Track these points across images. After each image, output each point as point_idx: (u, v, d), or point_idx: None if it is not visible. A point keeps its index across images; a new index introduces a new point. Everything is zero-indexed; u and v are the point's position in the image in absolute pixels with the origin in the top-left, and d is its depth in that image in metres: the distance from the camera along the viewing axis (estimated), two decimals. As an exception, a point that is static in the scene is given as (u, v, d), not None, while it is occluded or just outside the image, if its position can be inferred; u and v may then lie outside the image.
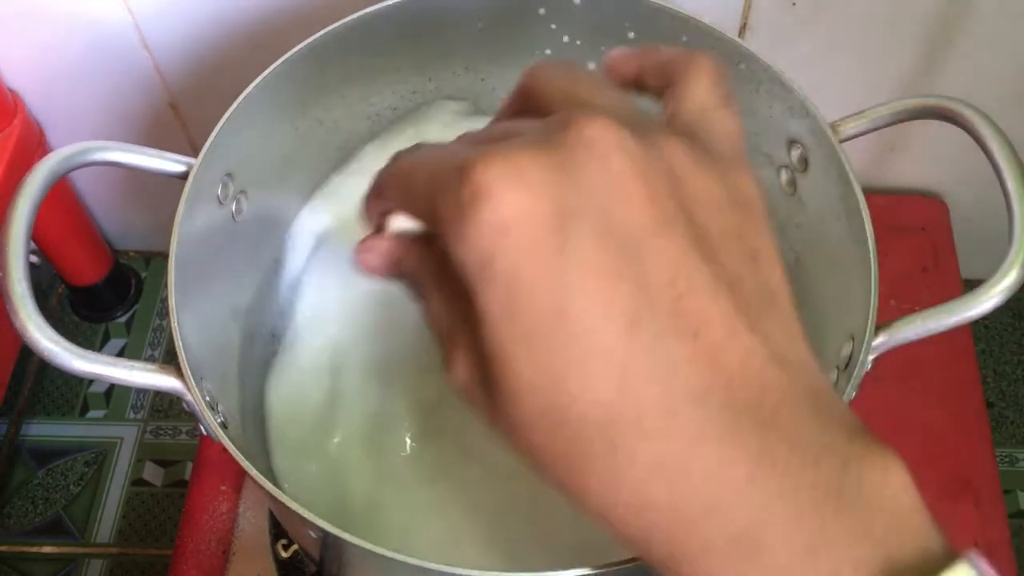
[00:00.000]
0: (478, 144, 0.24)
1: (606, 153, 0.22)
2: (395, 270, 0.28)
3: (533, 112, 0.27)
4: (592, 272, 0.21)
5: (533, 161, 0.22)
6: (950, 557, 0.21)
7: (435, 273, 0.26)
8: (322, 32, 0.46)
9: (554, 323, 0.21)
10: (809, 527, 0.21)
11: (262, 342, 0.52)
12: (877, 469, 0.22)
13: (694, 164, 0.24)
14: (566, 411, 0.22)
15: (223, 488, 0.58)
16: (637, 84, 0.30)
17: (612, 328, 0.21)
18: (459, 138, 0.27)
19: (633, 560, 0.33)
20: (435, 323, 0.26)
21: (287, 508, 0.35)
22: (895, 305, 0.66)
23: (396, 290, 0.53)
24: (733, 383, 0.22)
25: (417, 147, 0.26)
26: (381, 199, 0.27)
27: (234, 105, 0.44)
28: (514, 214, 0.21)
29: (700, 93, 0.27)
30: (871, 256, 0.40)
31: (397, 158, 0.26)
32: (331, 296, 0.53)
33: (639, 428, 0.21)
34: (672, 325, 0.22)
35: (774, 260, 0.25)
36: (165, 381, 0.38)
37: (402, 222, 0.27)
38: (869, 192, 0.42)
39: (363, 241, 0.29)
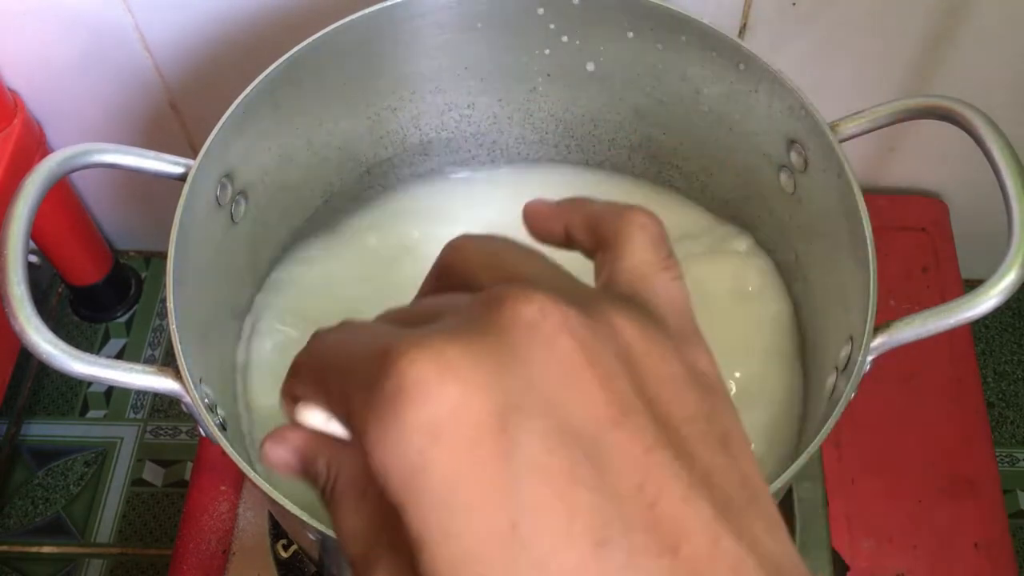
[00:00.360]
0: (402, 326, 0.21)
1: (549, 336, 0.19)
2: (305, 470, 0.23)
3: (456, 290, 0.24)
4: (545, 479, 0.18)
5: (465, 349, 0.19)
6: None
7: (354, 480, 0.22)
8: (322, 32, 0.46)
9: (506, 546, 0.18)
10: None
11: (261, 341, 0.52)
12: None
13: (646, 341, 0.21)
14: None
15: (223, 488, 0.58)
16: (563, 242, 0.27)
17: (576, 548, 0.18)
18: (381, 316, 0.23)
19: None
20: (350, 541, 0.22)
21: (286, 510, 0.35)
22: (895, 305, 0.66)
23: (390, 288, 0.53)
24: None
25: (341, 325, 0.22)
26: (295, 385, 0.23)
27: (233, 106, 0.44)
28: (446, 414, 0.18)
29: (638, 255, 0.24)
30: (870, 256, 0.40)
31: (315, 338, 0.23)
32: (325, 295, 0.53)
33: None
34: (647, 540, 0.18)
35: (744, 444, 0.22)
36: (164, 383, 0.38)
37: (317, 415, 0.23)
38: (869, 192, 0.42)
39: (273, 432, 0.24)
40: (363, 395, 0.19)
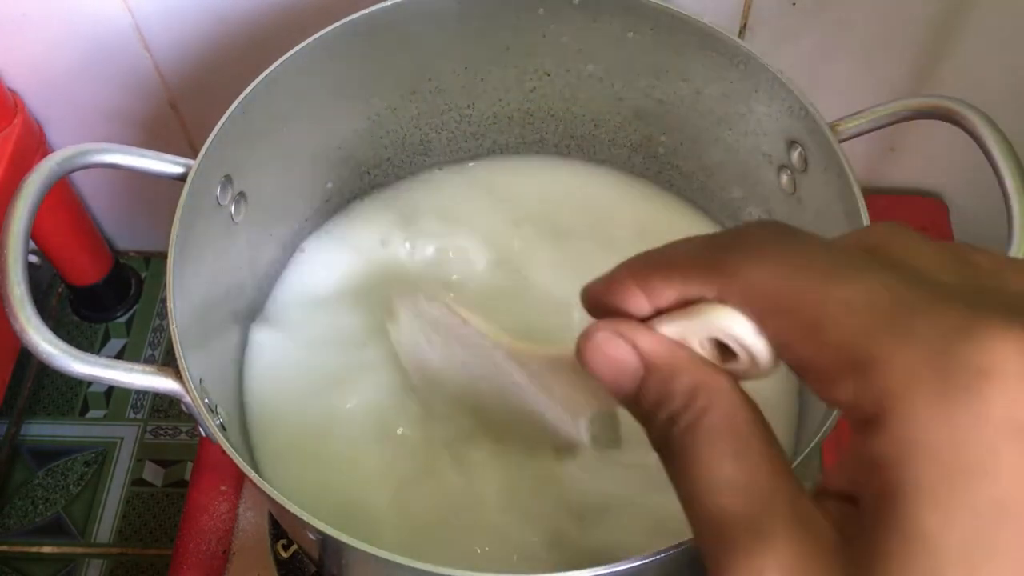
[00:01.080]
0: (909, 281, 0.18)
1: None
2: (645, 383, 0.19)
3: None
4: None
5: None
6: None
7: (733, 420, 0.18)
8: (321, 32, 0.46)
9: None
10: None
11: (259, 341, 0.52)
12: None
13: None
14: None
15: (223, 488, 0.58)
16: None
17: None
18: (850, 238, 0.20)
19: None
20: (722, 492, 0.17)
21: (286, 510, 0.35)
22: (895, 305, 0.66)
23: (391, 289, 0.53)
24: None
25: (792, 234, 0.19)
26: (668, 284, 0.19)
27: (233, 106, 0.44)
28: None
29: None
30: (871, 257, 0.40)
31: (747, 232, 0.19)
32: (324, 294, 0.53)
33: None
34: None
35: None
36: (164, 383, 0.38)
37: (671, 327, 0.18)
38: (869, 192, 0.42)
39: (614, 322, 0.19)
40: (913, 355, 0.16)
